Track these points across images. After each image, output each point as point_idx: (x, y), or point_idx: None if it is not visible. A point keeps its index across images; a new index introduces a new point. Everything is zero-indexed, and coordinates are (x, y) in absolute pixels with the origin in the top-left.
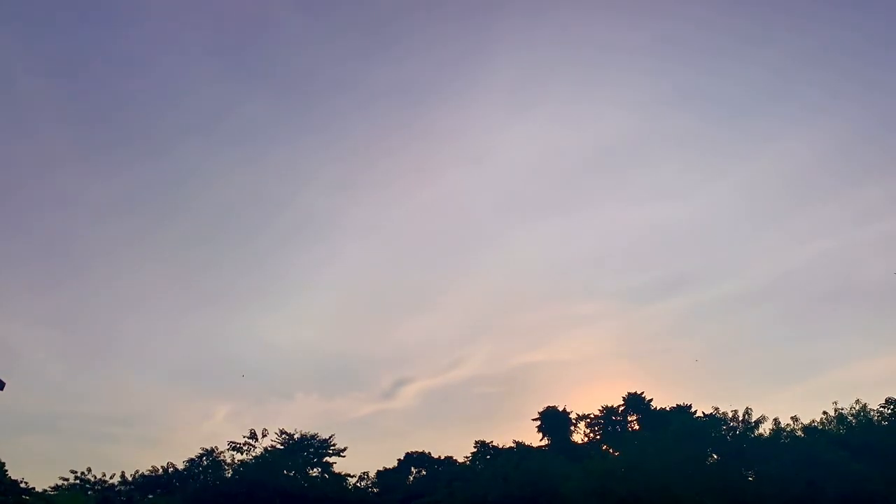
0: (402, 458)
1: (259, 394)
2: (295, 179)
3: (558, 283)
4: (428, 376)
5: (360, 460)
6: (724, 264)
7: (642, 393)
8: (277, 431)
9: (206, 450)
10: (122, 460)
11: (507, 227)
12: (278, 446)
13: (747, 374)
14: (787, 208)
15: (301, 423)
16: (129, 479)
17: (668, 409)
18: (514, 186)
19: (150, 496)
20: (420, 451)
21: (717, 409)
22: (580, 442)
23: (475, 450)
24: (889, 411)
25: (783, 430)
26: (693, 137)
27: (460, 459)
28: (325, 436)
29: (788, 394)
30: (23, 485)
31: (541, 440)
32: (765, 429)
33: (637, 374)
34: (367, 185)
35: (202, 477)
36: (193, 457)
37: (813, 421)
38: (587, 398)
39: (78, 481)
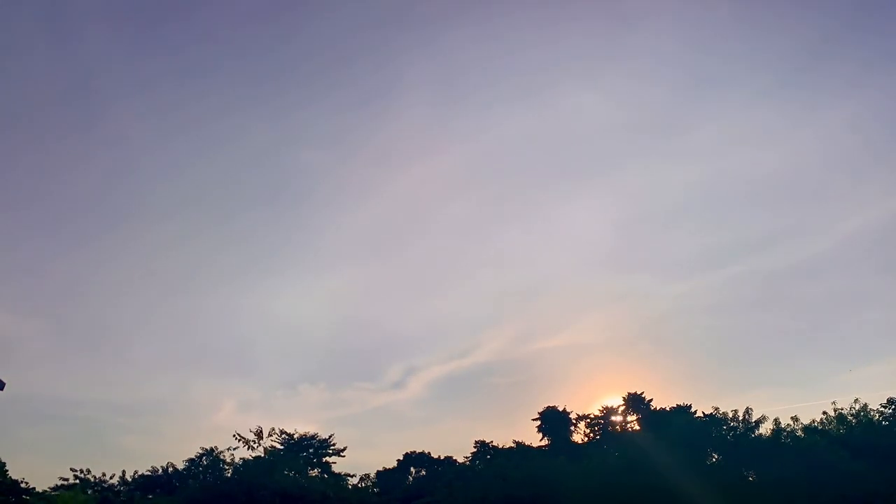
0: (401, 458)
1: (265, 384)
2: (297, 142)
3: (592, 255)
4: (441, 362)
5: (364, 456)
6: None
7: (642, 393)
8: (277, 431)
9: (206, 449)
10: (133, 453)
11: (540, 193)
12: (278, 446)
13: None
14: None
15: (308, 415)
16: (129, 478)
17: (668, 409)
18: (550, 147)
19: (150, 496)
20: (420, 450)
21: (716, 408)
22: (580, 442)
23: (475, 450)
24: (890, 411)
25: (783, 430)
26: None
27: (460, 459)
28: (324, 435)
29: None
30: (23, 485)
31: (541, 440)
32: (765, 429)
33: (659, 358)
34: (380, 151)
35: (202, 477)
36: (193, 456)
37: (813, 421)
38: (607, 387)
39: (78, 481)
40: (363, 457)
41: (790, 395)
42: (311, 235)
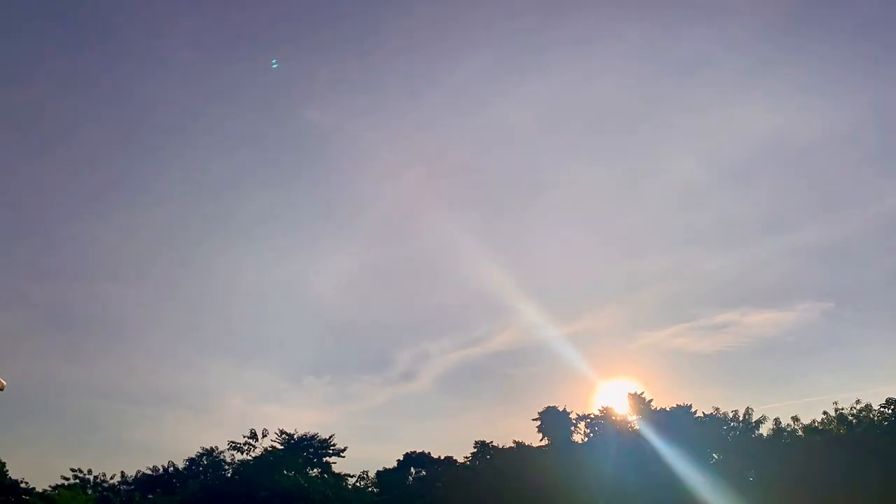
0: (401, 459)
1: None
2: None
3: (629, 230)
4: (457, 348)
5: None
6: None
7: (642, 393)
8: (277, 431)
9: (206, 449)
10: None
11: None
12: (278, 446)
13: None
14: None
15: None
16: (130, 478)
17: (668, 409)
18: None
19: (151, 496)
20: (420, 451)
21: (717, 409)
22: (580, 442)
23: (475, 450)
24: (890, 411)
25: (784, 430)
26: None
27: (460, 460)
28: (324, 435)
29: None
30: (23, 485)
31: (541, 440)
32: (765, 429)
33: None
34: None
35: (202, 477)
36: (193, 456)
37: (814, 421)
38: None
39: (78, 481)
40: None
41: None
42: (323, 217)
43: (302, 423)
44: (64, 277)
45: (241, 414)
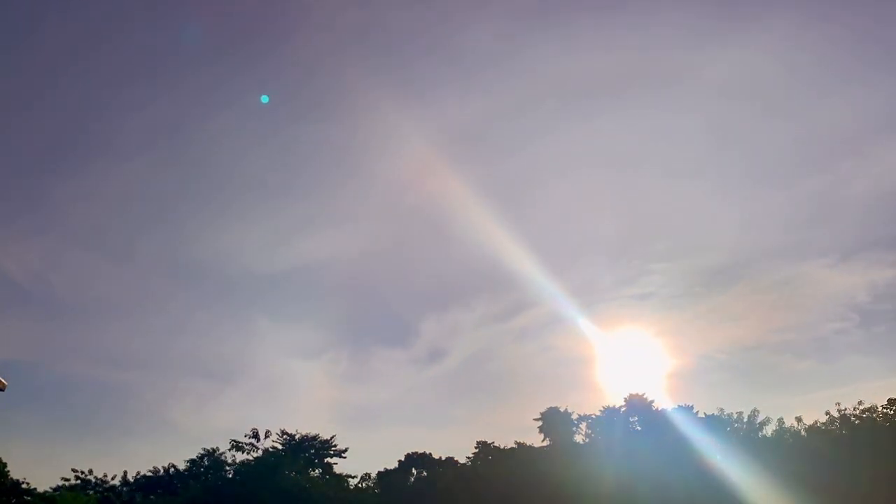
0: (402, 459)
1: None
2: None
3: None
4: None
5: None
6: None
7: (644, 394)
8: (279, 432)
9: (208, 450)
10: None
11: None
12: (279, 447)
13: None
14: None
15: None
16: (131, 479)
17: (669, 409)
18: None
19: (152, 496)
20: (422, 451)
21: (722, 409)
22: (581, 443)
23: (476, 450)
24: (893, 412)
25: (787, 430)
26: None
27: (461, 460)
28: (326, 436)
29: None
30: (24, 485)
31: (542, 441)
32: (768, 430)
33: None
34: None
35: (203, 477)
36: (195, 457)
37: (816, 422)
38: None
39: (79, 481)
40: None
41: None
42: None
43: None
44: None
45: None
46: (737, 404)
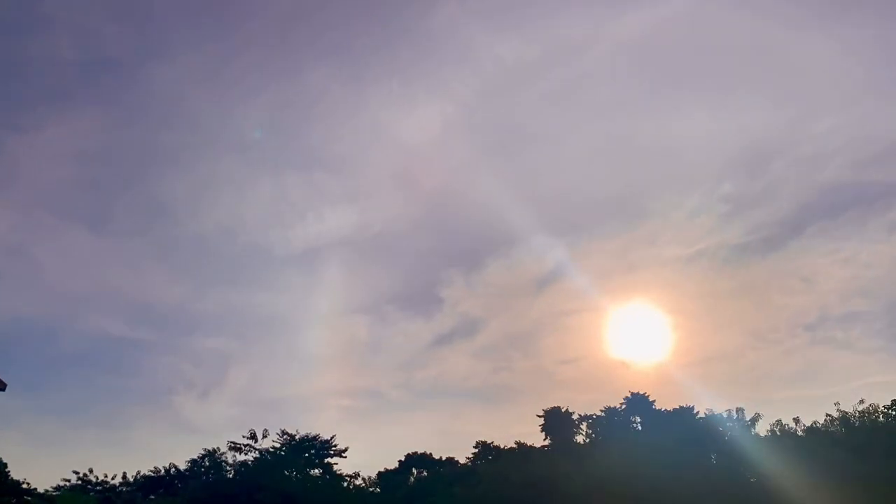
0: (402, 459)
1: None
2: None
3: None
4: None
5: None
6: None
7: (645, 394)
8: (279, 431)
9: (208, 450)
10: None
11: None
12: (278, 446)
13: None
14: None
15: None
16: (131, 479)
17: (670, 409)
18: None
19: (153, 496)
20: (422, 451)
21: (722, 409)
22: (582, 443)
23: (476, 450)
24: (895, 412)
25: (785, 429)
26: None
27: (462, 460)
28: (326, 436)
29: None
30: (24, 485)
31: (543, 440)
32: (767, 430)
33: None
34: None
35: (204, 477)
36: (195, 457)
37: (815, 422)
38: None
39: (80, 482)
40: None
41: None
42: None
43: None
44: None
45: None
46: (738, 402)
